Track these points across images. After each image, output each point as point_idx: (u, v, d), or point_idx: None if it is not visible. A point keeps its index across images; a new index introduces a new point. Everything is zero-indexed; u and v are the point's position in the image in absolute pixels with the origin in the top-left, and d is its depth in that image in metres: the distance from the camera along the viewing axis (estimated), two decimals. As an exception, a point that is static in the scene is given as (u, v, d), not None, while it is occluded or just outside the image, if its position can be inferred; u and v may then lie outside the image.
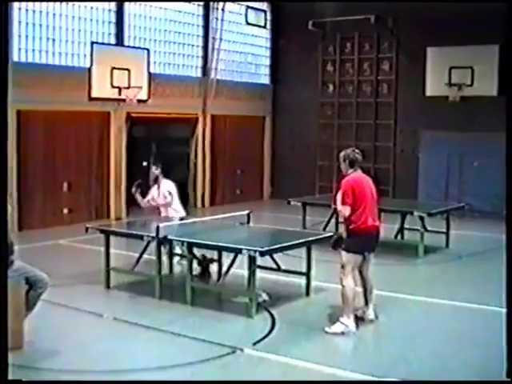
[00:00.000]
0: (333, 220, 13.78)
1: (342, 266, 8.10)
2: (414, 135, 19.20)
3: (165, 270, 10.31)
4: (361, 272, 8.43)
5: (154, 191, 11.65)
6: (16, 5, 14.34)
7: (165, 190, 11.48)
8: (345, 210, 8.00)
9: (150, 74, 16.56)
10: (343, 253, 8.13)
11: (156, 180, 11.71)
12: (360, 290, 8.45)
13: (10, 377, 6.02)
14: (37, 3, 14.86)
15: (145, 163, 16.86)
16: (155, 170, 11.74)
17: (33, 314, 7.53)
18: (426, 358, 7.32)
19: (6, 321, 4.45)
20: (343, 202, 8.01)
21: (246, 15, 20.50)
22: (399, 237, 13.53)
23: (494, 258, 11.10)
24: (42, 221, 15.04)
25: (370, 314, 8.47)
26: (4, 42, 4.57)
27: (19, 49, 14.64)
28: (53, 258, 11.98)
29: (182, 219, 11.42)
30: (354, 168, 8.23)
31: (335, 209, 8.61)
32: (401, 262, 12.09)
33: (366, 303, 8.51)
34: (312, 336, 7.99)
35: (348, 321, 7.94)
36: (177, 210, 11.61)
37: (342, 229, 8.35)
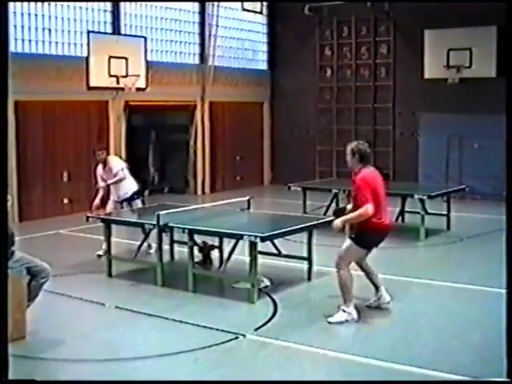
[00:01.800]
0: (333, 204, 13.79)
1: (342, 255, 7.85)
2: (414, 118, 19.18)
3: (166, 258, 10.32)
4: (359, 264, 8.17)
5: (101, 173, 11.53)
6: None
7: (116, 168, 11.43)
8: (369, 209, 7.46)
9: (147, 62, 16.52)
10: (350, 243, 7.81)
11: (104, 163, 11.50)
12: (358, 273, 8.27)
13: (14, 367, 6.05)
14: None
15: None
16: (102, 155, 11.49)
17: (35, 304, 7.55)
18: (428, 340, 7.34)
19: (7, 318, 4.44)
20: (364, 201, 7.50)
21: (241, 1, 20.42)
22: (400, 220, 13.55)
23: (495, 239, 11.12)
24: (42, 211, 15.04)
25: (386, 297, 8.25)
26: (4, 41, 4.56)
27: (15, 39, 14.59)
28: (54, 247, 12.01)
29: (137, 193, 11.60)
30: (363, 163, 7.76)
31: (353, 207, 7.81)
32: (402, 245, 12.09)
33: (377, 289, 8.27)
34: (314, 320, 7.99)
35: (350, 308, 7.80)
36: (129, 185, 11.58)
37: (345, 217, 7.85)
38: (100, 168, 11.51)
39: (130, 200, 11.51)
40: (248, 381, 6.39)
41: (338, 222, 7.75)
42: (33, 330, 7.36)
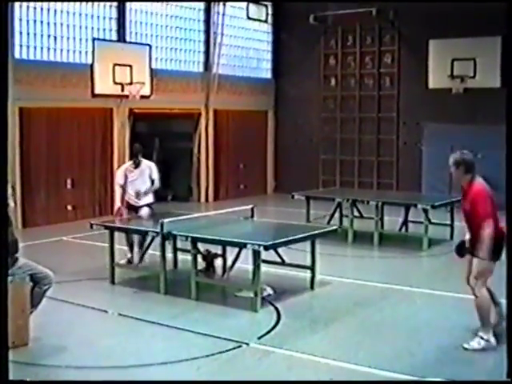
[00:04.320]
0: (337, 214, 13.81)
1: (477, 276, 7.24)
2: (417, 128, 19.18)
3: (169, 266, 10.32)
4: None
5: (134, 174, 11.25)
6: (17, 2, 14.33)
7: (153, 175, 11.25)
8: (491, 226, 7.07)
9: (152, 69, 16.59)
10: (479, 261, 7.20)
11: (136, 158, 11.29)
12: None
13: (17, 374, 6.05)
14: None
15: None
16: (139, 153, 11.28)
17: (38, 310, 7.55)
18: (430, 350, 7.31)
19: (7, 322, 4.45)
20: (485, 215, 7.12)
21: (247, 10, 20.49)
22: (403, 229, 13.53)
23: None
24: (45, 218, 15.06)
25: (494, 342, 7.34)
26: (4, 42, 4.58)
27: (20, 46, 14.64)
28: (57, 254, 12.00)
29: (150, 205, 11.30)
30: (471, 174, 7.34)
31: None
32: (405, 255, 12.09)
33: (496, 305, 7.61)
34: (317, 329, 8.00)
35: (488, 335, 7.18)
36: (150, 195, 11.38)
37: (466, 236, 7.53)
38: (130, 167, 11.30)
39: (139, 208, 11.29)
40: (244, 381, 6.41)
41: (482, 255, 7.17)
42: (35, 337, 7.35)
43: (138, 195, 11.20)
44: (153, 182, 11.31)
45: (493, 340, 7.19)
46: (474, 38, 17.54)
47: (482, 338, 7.20)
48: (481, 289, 7.26)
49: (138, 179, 11.25)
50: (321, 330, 7.97)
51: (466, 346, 7.22)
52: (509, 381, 5.36)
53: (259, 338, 7.58)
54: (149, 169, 11.33)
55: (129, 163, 11.53)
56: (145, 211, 11.22)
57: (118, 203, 11.29)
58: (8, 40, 12.52)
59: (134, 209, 11.30)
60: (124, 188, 11.30)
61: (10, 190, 7.08)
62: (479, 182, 7.39)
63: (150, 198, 11.38)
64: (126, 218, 11.17)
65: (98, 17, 16.26)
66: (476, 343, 7.21)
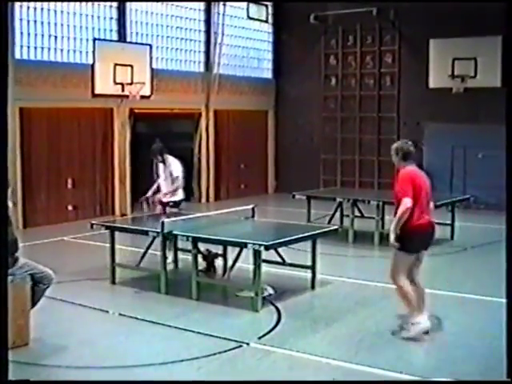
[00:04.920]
0: (337, 213, 13.81)
1: (392, 267, 7.56)
2: (418, 127, 19.16)
3: (170, 265, 10.33)
4: (411, 274, 7.73)
5: (161, 171, 11.46)
6: (17, 2, 14.34)
7: (174, 173, 11.27)
8: (407, 203, 7.25)
9: (152, 69, 16.56)
10: (395, 251, 7.49)
11: (161, 156, 11.39)
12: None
13: (17, 374, 6.06)
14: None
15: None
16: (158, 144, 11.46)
17: (39, 310, 7.53)
18: (431, 350, 7.32)
19: (7, 321, 4.45)
20: (404, 194, 7.32)
21: (247, 9, 20.49)
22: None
23: (499, 249, 11.01)
24: (46, 218, 15.05)
25: (426, 323, 7.71)
26: (4, 42, 4.59)
27: (21, 46, 14.63)
28: (58, 254, 12.01)
29: (179, 203, 11.42)
30: (407, 161, 7.66)
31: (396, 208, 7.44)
32: (406, 255, 12.07)
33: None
34: (318, 329, 7.99)
35: (419, 317, 7.49)
36: (179, 193, 11.49)
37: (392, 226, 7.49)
38: (161, 165, 11.48)
39: (170, 205, 11.40)
40: (244, 381, 6.40)
41: (392, 239, 7.39)
42: (36, 337, 7.35)
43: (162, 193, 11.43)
44: (173, 179, 11.31)
45: (424, 322, 7.52)
46: (474, 37, 17.54)
47: (414, 324, 7.49)
48: (399, 277, 7.51)
49: (161, 176, 11.45)
50: (321, 330, 7.97)
51: (403, 335, 7.53)
52: (509, 381, 5.35)
53: (260, 337, 7.58)
54: (170, 166, 11.38)
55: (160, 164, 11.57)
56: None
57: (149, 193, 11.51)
58: (8, 40, 12.51)
59: (164, 205, 11.42)
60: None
61: (9, 192, 7.08)
62: (409, 168, 7.67)
63: (176, 196, 11.45)
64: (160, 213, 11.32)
65: (99, 17, 16.25)
66: (411, 331, 7.50)
